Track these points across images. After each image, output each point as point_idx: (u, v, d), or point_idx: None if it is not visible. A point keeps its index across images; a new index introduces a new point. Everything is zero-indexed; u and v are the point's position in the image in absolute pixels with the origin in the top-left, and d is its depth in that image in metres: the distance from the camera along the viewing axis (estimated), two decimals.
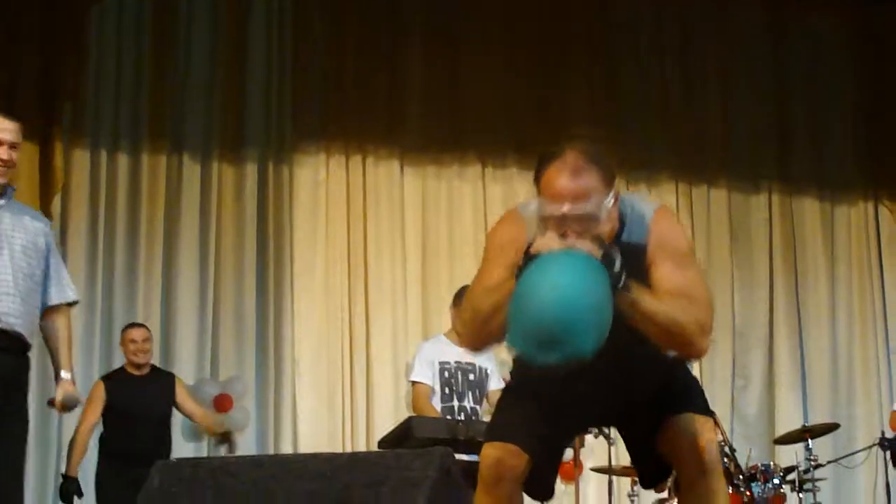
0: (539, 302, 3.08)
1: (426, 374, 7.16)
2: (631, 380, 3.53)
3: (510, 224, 3.52)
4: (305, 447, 8.74)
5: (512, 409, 3.65)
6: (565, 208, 3.25)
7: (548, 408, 3.57)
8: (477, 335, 3.46)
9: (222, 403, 8.65)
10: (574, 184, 3.27)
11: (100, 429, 7.72)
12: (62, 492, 7.52)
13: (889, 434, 8.00)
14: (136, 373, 7.80)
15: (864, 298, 10.24)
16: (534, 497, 3.81)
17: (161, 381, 7.90)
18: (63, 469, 7.75)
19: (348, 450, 8.61)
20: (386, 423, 8.05)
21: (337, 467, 4.04)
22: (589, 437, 7.64)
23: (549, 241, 3.23)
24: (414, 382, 7.20)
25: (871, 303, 10.23)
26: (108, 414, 7.65)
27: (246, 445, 8.76)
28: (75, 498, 7.53)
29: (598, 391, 3.50)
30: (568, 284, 3.08)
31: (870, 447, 8.32)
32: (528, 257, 3.22)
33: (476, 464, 6.38)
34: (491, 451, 3.53)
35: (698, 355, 3.42)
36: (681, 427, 3.48)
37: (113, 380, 7.80)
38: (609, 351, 3.16)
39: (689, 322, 3.29)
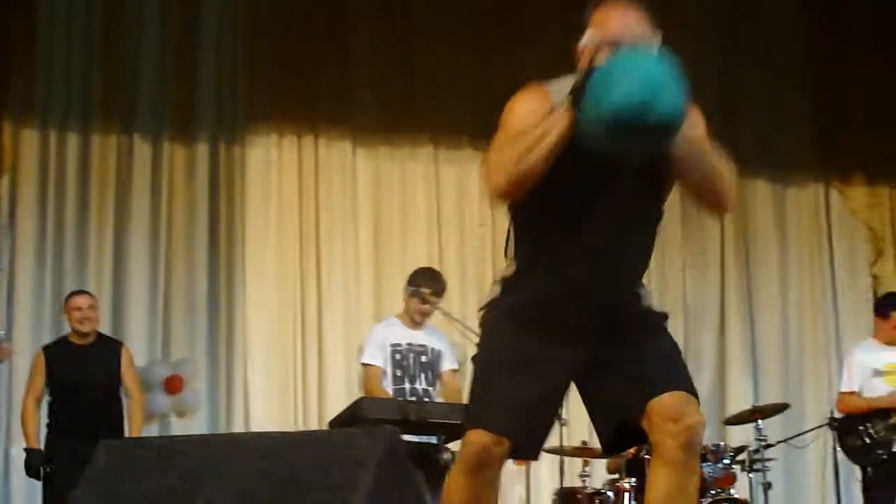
0: (638, 62, 3.21)
1: (377, 357, 7.13)
2: (620, 275, 3.52)
3: (533, 95, 3.51)
4: (257, 428, 8.71)
5: (494, 381, 3.53)
6: (622, 33, 3.38)
7: (530, 351, 3.48)
8: (515, 175, 3.33)
9: (173, 384, 8.61)
10: (629, 16, 3.45)
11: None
12: (27, 465, 7.33)
13: (837, 415, 8.06)
14: (79, 342, 7.49)
15: (814, 280, 10.30)
16: (518, 460, 3.76)
17: (107, 350, 7.57)
18: (14, 447, 7.66)
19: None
20: (338, 405, 8.00)
21: (285, 445, 4.02)
22: None
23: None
24: (365, 364, 7.17)
25: (821, 285, 10.30)
26: (52, 385, 7.41)
27: (197, 427, 8.74)
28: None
29: (587, 299, 3.46)
30: (657, 56, 3.26)
31: (819, 427, 8.38)
32: (588, 73, 3.28)
33: (426, 445, 6.44)
34: (477, 439, 3.44)
35: (728, 208, 3.61)
36: (673, 406, 3.42)
37: (54, 349, 7.54)
38: (605, 233, 3.39)
39: (725, 172, 3.51)
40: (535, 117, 3.37)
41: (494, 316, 3.62)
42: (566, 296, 3.47)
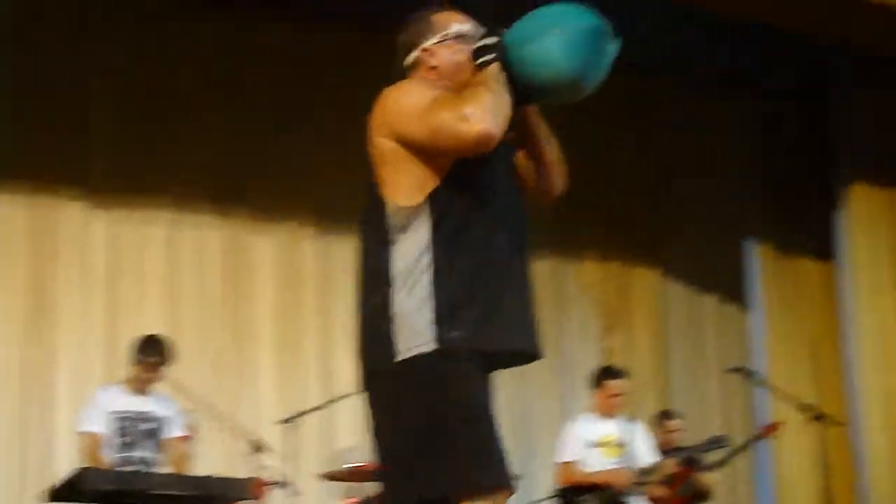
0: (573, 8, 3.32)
1: (96, 424, 7.00)
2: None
3: (418, 84, 3.46)
4: None
5: (492, 431, 3.29)
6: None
7: (488, 391, 3.40)
8: (501, 118, 3.25)
9: None
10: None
11: None
12: None
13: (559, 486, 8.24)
14: None
15: (547, 352, 10.45)
16: None
17: None
18: None
19: (23, 501, 8.30)
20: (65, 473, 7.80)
21: None
22: None
23: None
24: (85, 432, 7.01)
25: (554, 357, 10.50)
26: None
27: None
28: None
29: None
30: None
31: (548, 499, 8.53)
32: (492, 33, 3.35)
33: None
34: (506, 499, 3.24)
35: (560, 189, 3.68)
36: None
37: None
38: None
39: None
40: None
41: (447, 355, 3.29)
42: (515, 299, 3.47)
